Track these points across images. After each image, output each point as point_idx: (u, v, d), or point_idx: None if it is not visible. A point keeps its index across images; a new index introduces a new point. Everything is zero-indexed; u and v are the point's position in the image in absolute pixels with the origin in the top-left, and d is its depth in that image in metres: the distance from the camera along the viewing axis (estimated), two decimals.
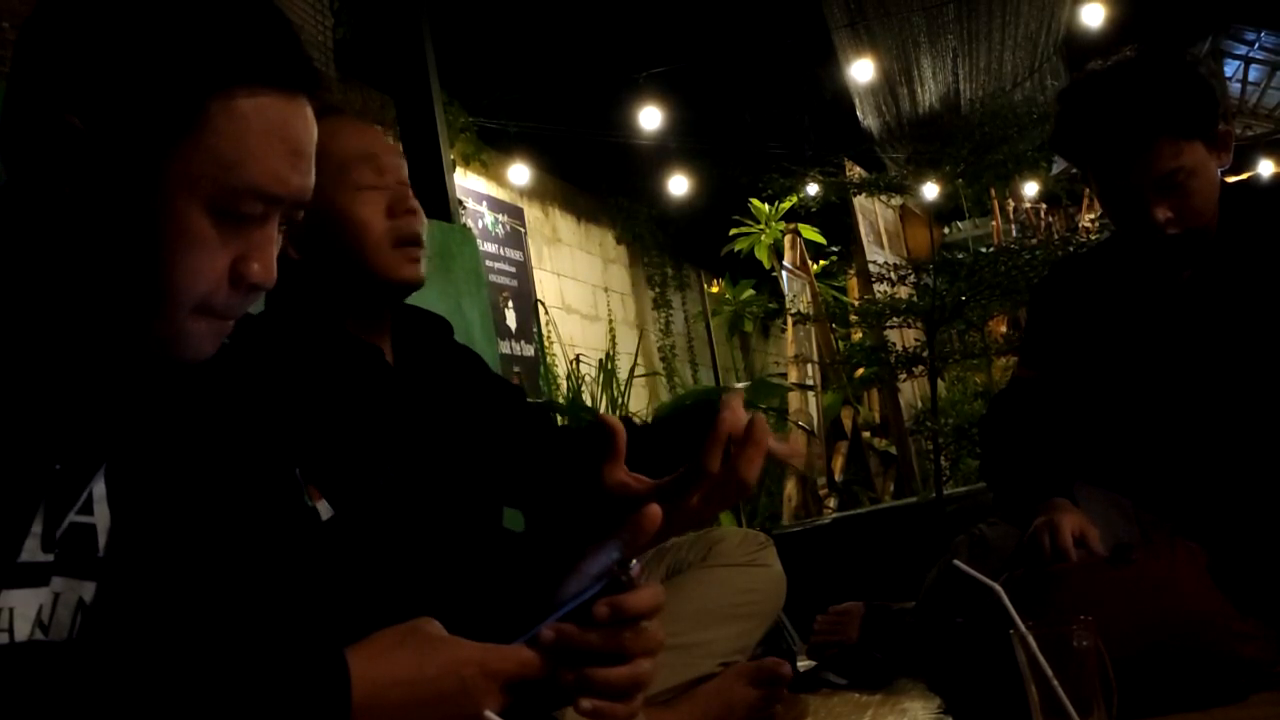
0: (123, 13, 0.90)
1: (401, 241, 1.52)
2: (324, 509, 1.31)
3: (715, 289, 9.03)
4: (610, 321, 7.79)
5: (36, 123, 0.90)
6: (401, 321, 1.63)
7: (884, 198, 6.50)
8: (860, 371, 5.86)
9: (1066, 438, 1.91)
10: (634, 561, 0.97)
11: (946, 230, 8.84)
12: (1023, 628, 1.17)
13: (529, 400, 1.82)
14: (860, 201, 6.60)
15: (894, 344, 5.10)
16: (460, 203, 5.02)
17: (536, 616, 0.96)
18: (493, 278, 6.06)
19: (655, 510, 1.01)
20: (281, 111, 0.93)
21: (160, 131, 0.89)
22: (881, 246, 7.03)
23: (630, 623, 0.96)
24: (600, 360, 6.52)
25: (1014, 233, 7.29)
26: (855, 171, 6.31)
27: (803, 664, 2.37)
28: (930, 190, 5.95)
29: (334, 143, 1.52)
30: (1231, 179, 1.88)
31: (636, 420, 1.97)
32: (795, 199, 6.65)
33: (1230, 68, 8.13)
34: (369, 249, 1.50)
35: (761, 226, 7.57)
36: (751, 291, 8.76)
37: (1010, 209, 7.90)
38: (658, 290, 8.47)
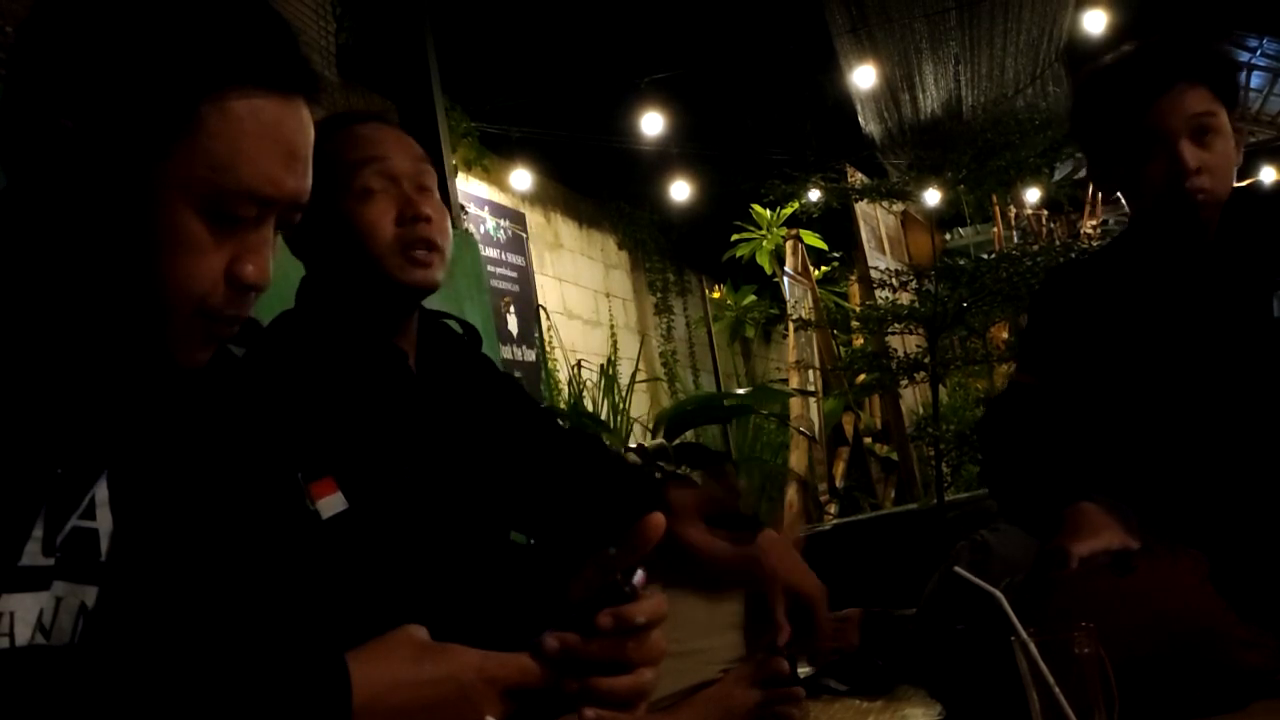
0: (116, 15, 0.90)
1: (409, 246, 1.51)
2: (327, 506, 1.31)
3: (717, 294, 9.04)
4: (612, 327, 7.79)
5: (31, 125, 0.90)
6: (427, 328, 1.63)
7: (886, 204, 6.50)
8: (862, 377, 5.85)
9: (1068, 444, 1.90)
10: (638, 571, 0.97)
11: (948, 236, 8.86)
12: (1024, 634, 1.17)
13: (567, 427, 1.80)
14: (862, 207, 6.60)
15: (895, 350, 5.10)
16: (462, 208, 5.02)
17: (540, 624, 0.96)
18: (494, 283, 6.06)
19: (658, 519, 1.01)
20: (276, 113, 0.92)
21: (153, 134, 0.88)
22: (883, 252, 7.03)
23: (633, 632, 0.96)
24: (602, 366, 6.52)
25: (1016, 239, 7.30)
26: (857, 177, 6.31)
27: (803, 670, 2.36)
28: (932, 196, 5.96)
29: (344, 148, 1.52)
30: (1234, 185, 1.88)
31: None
32: (797, 205, 6.65)
33: None
34: (375, 253, 1.49)
35: (763, 232, 7.58)
36: (753, 297, 8.76)
37: (1012, 215, 7.91)
38: (659, 296, 8.48)
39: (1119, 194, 1.91)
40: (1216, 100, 1.77)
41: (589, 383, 6.31)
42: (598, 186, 7.72)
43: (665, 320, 8.39)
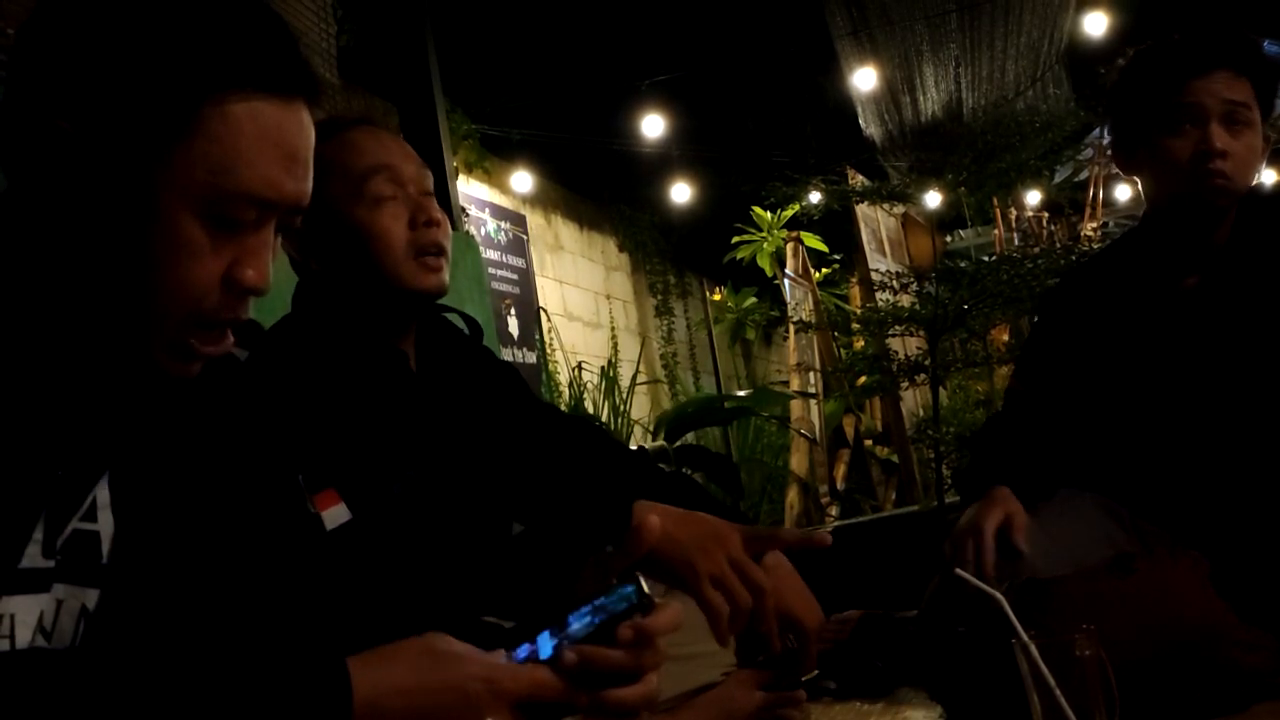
0: (116, 16, 0.89)
1: (422, 251, 1.53)
2: (331, 517, 1.31)
3: (717, 296, 9.04)
4: (612, 329, 7.80)
5: (30, 127, 0.89)
6: (427, 326, 1.63)
7: (886, 206, 6.50)
8: (862, 380, 5.85)
9: (1056, 445, 1.91)
10: (639, 577, 0.97)
11: (949, 238, 8.85)
12: (1025, 637, 1.17)
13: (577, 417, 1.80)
14: (863, 210, 6.60)
15: (896, 352, 5.10)
16: (463, 210, 5.02)
17: (541, 627, 0.96)
18: (495, 285, 6.06)
19: (654, 521, 1.01)
20: (276, 116, 0.92)
21: (152, 136, 0.88)
22: (884, 254, 7.03)
23: (651, 643, 0.96)
24: (602, 368, 6.52)
25: (1016, 241, 7.29)
26: (858, 179, 6.32)
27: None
28: (933, 198, 5.96)
29: (350, 156, 1.53)
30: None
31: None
32: (797, 207, 6.65)
33: None
34: (389, 260, 1.51)
35: (764, 234, 7.58)
36: (754, 299, 8.76)
37: (1013, 217, 7.90)
38: (660, 298, 8.48)
39: (1138, 177, 1.92)
40: (1254, 97, 1.81)
41: (590, 385, 6.30)
42: (598, 189, 7.72)
43: (666, 322, 8.39)
